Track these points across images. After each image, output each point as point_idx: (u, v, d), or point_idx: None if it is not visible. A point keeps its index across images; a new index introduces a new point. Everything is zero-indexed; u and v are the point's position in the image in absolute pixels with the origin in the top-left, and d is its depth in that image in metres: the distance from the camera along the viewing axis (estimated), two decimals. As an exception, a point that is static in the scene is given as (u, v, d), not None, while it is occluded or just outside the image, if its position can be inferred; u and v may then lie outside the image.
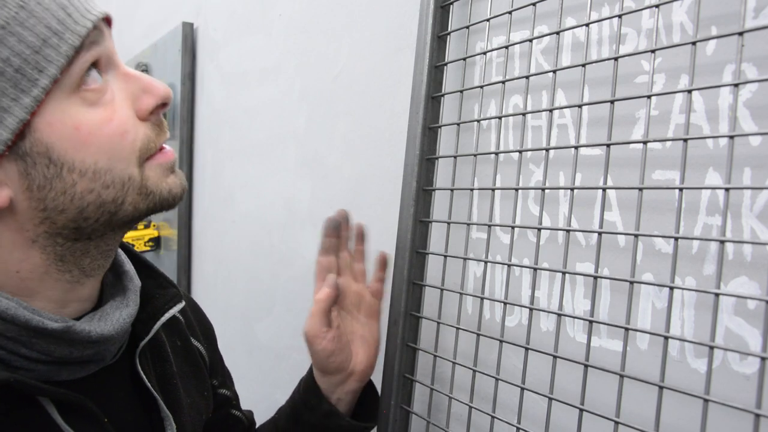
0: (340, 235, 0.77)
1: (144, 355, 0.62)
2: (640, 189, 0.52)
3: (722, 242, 0.45)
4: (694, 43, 0.48)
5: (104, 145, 0.49)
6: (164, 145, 0.56)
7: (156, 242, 1.71)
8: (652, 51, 0.51)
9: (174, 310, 0.65)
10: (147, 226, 1.72)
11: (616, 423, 0.51)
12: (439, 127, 0.75)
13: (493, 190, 0.68)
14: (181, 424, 0.62)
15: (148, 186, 0.53)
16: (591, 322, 0.55)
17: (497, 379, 0.64)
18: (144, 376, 0.60)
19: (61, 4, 0.48)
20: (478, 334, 0.67)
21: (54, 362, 0.52)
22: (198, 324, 0.78)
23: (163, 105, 0.54)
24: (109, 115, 0.50)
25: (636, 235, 0.52)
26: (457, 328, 0.70)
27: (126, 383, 0.60)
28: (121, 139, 0.50)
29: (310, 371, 0.79)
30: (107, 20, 0.53)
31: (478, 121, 0.71)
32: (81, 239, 0.52)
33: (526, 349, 0.61)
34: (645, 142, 0.51)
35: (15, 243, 0.50)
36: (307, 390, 0.77)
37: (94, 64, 0.50)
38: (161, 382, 0.63)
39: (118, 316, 0.57)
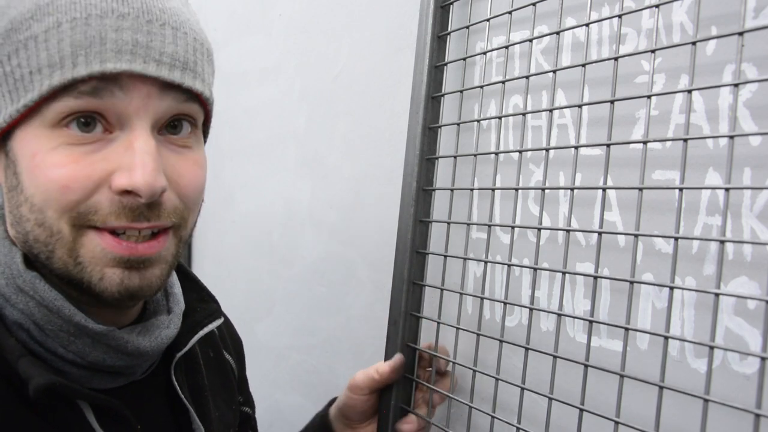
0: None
1: (179, 366, 0.62)
2: (640, 189, 0.51)
3: (722, 242, 0.45)
4: (694, 43, 0.48)
5: (42, 185, 0.47)
6: (155, 238, 0.50)
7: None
8: (652, 51, 0.51)
9: (212, 326, 0.65)
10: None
11: (616, 423, 0.51)
12: (439, 127, 0.74)
13: (493, 190, 0.68)
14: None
15: (81, 254, 0.49)
16: (591, 322, 0.55)
17: (497, 379, 0.64)
18: (178, 388, 0.60)
19: (77, 42, 0.46)
20: (478, 334, 0.67)
21: (86, 367, 0.52)
22: (230, 339, 0.79)
23: (130, 193, 0.48)
24: (64, 163, 0.47)
25: (636, 235, 0.52)
26: (457, 328, 0.70)
27: (158, 393, 0.60)
28: (59, 190, 0.47)
29: (327, 412, 0.80)
30: (164, 83, 0.48)
31: (478, 121, 0.71)
32: (46, 267, 0.50)
33: (526, 349, 0.61)
34: (645, 142, 0.51)
35: (6, 224, 0.52)
36: (322, 426, 0.79)
37: (91, 116, 0.47)
38: (193, 393, 0.63)
39: (158, 334, 0.56)
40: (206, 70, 0.53)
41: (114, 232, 0.49)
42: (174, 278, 0.64)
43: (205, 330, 0.63)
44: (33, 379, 0.47)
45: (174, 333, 0.59)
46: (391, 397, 0.74)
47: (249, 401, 0.82)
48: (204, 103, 0.54)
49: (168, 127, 0.51)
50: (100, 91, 0.47)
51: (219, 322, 0.66)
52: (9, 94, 0.47)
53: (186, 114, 0.52)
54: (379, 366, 0.74)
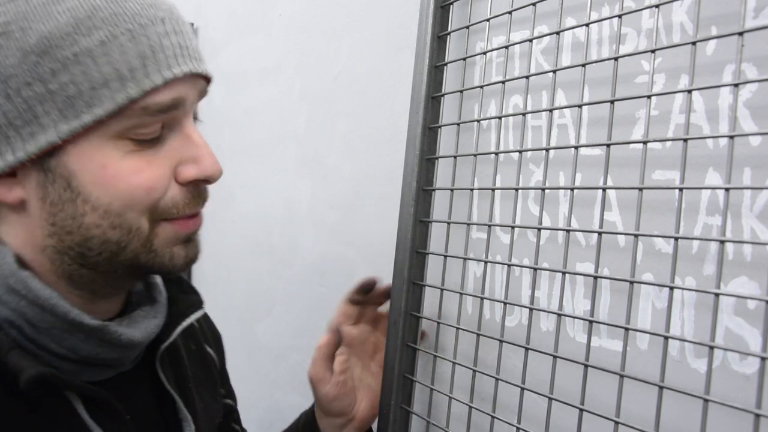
0: (368, 293, 0.78)
1: (163, 358, 0.62)
2: (640, 189, 0.51)
3: (722, 242, 0.45)
4: (694, 43, 0.48)
5: (123, 192, 0.50)
6: (197, 213, 0.56)
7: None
8: (652, 51, 0.51)
9: (195, 316, 0.66)
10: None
11: (616, 423, 0.51)
12: (439, 127, 0.74)
13: (493, 190, 0.68)
14: (198, 426, 0.62)
15: (154, 243, 0.53)
16: (591, 322, 0.55)
17: (497, 379, 0.64)
18: (164, 378, 0.61)
19: (141, 52, 0.48)
20: (478, 334, 0.67)
21: (78, 361, 0.53)
22: (210, 332, 0.79)
23: (205, 180, 0.55)
24: (141, 167, 0.50)
25: (636, 235, 0.52)
26: (457, 328, 0.70)
27: (144, 386, 0.61)
28: (145, 192, 0.51)
29: (312, 409, 0.80)
30: (203, 77, 0.54)
31: (478, 121, 0.71)
32: (86, 266, 0.53)
33: (526, 349, 0.61)
34: (645, 142, 0.51)
35: (26, 243, 0.52)
36: (306, 427, 0.79)
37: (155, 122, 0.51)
38: (178, 384, 0.64)
39: (147, 324, 0.58)
40: None
41: (183, 217, 0.55)
42: None
43: (189, 320, 0.64)
44: (24, 371, 0.47)
45: (161, 322, 0.60)
46: (391, 397, 0.74)
47: (231, 394, 0.82)
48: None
49: None
50: (172, 107, 0.51)
51: (201, 312, 0.67)
52: (59, 112, 0.47)
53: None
54: (317, 345, 0.76)
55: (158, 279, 0.64)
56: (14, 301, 0.51)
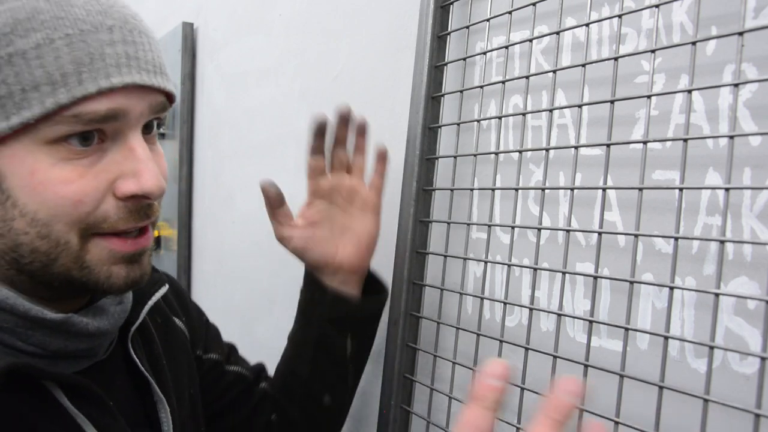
0: (323, 134, 0.77)
1: (134, 339, 0.63)
2: (640, 189, 0.52)
3: (722, 242, 0.45)
4: (694, 43, 0.48)
5: (50, 201, 0.48)
6: (145, 232, 0.54)
7: (156, 242, 1.71)
8: (652, 51, 0.51)
9: (159, 294, 0.66)
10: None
11: (616, 423, 0.51)
12: (439, 127, 0.75)
13: (493, 190, 0.68)
14: (172, 405, 0.63)
15: (87, 260, 0.51)
16: (591, 322, 0.55)
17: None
18: (137, 361, 0.61)
19: (76, 58, 0.47)
20: (478, 334, 0.67)
21: (49, 356, 0.53)
22: (176, 299, 0.79)
23: (144, 197, 0.51)
24: (71, 178, 0.48)
25: (636, 235, 0.52)
26: (457, 328, 0.70)
27: (120, 372, 0.61)
28: (71, 204, 0.49)
29: (306, 272, 0.82)
30: (161, 91, 0.52)
31: (478, 121, 0.71)
32: (23, 273, 0.51)
33: (526, 349, 0.61)
34: (645, 142, 0.51)
35: None
36: (308, 286, 0.81)
37: (91, 131, 0.49)
38: (151, 364, 0.64)
39: (113, 311, 0.58)
40: (166, 67, 0.56)
41: (117, 233, 0.52)
42: None
43: (154, 299, 0.65)
44: None
45: (128, 307, 0.60)
46: (391, 397, 0.74)
47: (210, 347, 0.81)
48: (171, 101, 0.57)
49: (143, 128, 0.54)
50: (109, 117, 0.49)
51: (165, 289, 0.67)
52: None
53: (161, 116, 0.55)
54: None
55: None
56: None
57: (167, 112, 0.57)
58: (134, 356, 0.61)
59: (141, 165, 0.51)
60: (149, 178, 0.51)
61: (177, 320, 0.76)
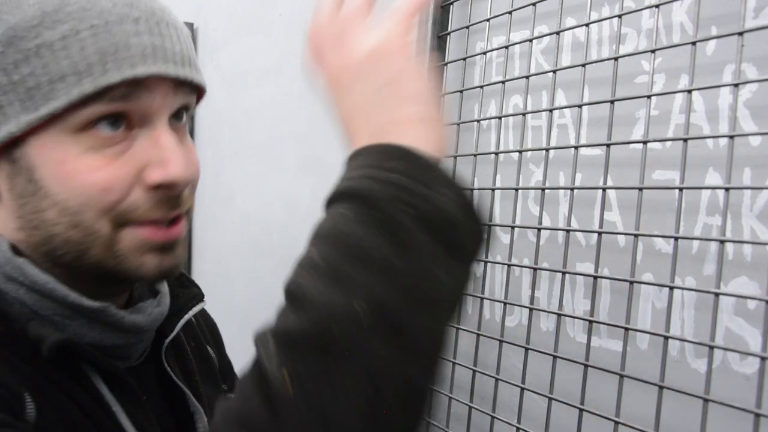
0: None
1: (168, 352, 0.63)
2: (640, 189, 0.52)
3: (722, 242, 0.45)
4: (694, 43, 0.48)
5: (79, 189, 0.49)
6: (177, 222, 0.53)
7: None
8: (652, 51, 0.51)
9: (197, 308, 0.66)
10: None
11: (616, 423, 0.51)
12: (439, 127, 0.74)
13: (493, 190, 0.68)
14: (209, 419, 0.63)
15: (119, 249, 0.51)
16: (591, 322, 0.55)
17: (497, 379, 0.64)
18: (171, 372, 0.61)
19: (101, 49, 0.47)
20: (478, 334, 0.67)
21: None
22: (207, 327, 0.79)
23: (170, 185, 0.51)
24: (99, 166, 0.49)
25: (636, 235, 0.52)
26: (457, 328, 0.70)
27: (151, 381, 0.61)
28: (101, 192, 0.49)
29: None
30: (177, 80, 0.51)
31: (478, 121, 0.71)
32: (58, 266, 0.51)
33: (526, 349, 0.61)
34: (645, 142, 0.51)
35: (7, 229, 0.52)
36: None
37: (118, 116, 0.49)
38: (185, 378, 0.64)
39: (150, 311, 0.58)
40: (197, 60, 0.56)
41: (150, 222, 0.52)
42: None
43: (191, 313, 0.64)
44: (46, 338, 0.47)
45: (165, 310, 0.60)
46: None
47: (234, 387, 0.82)
48: (200, 92, 0.57)
49: (171, 118, 0.54)
50: (130, 94, 0.49)
51: (202, 305, 0.67)
52: (20, 103, 0.47)
53: (189, 106, 0.55)
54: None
55: None
56: (13, 290, 0.50)
57: (196, 105, 0.57)
58: (167, 367, 0.61)
59: (167, 153, 0.51)
60: (174, 166, 0.50)
61: (209, 348, 0.76)
